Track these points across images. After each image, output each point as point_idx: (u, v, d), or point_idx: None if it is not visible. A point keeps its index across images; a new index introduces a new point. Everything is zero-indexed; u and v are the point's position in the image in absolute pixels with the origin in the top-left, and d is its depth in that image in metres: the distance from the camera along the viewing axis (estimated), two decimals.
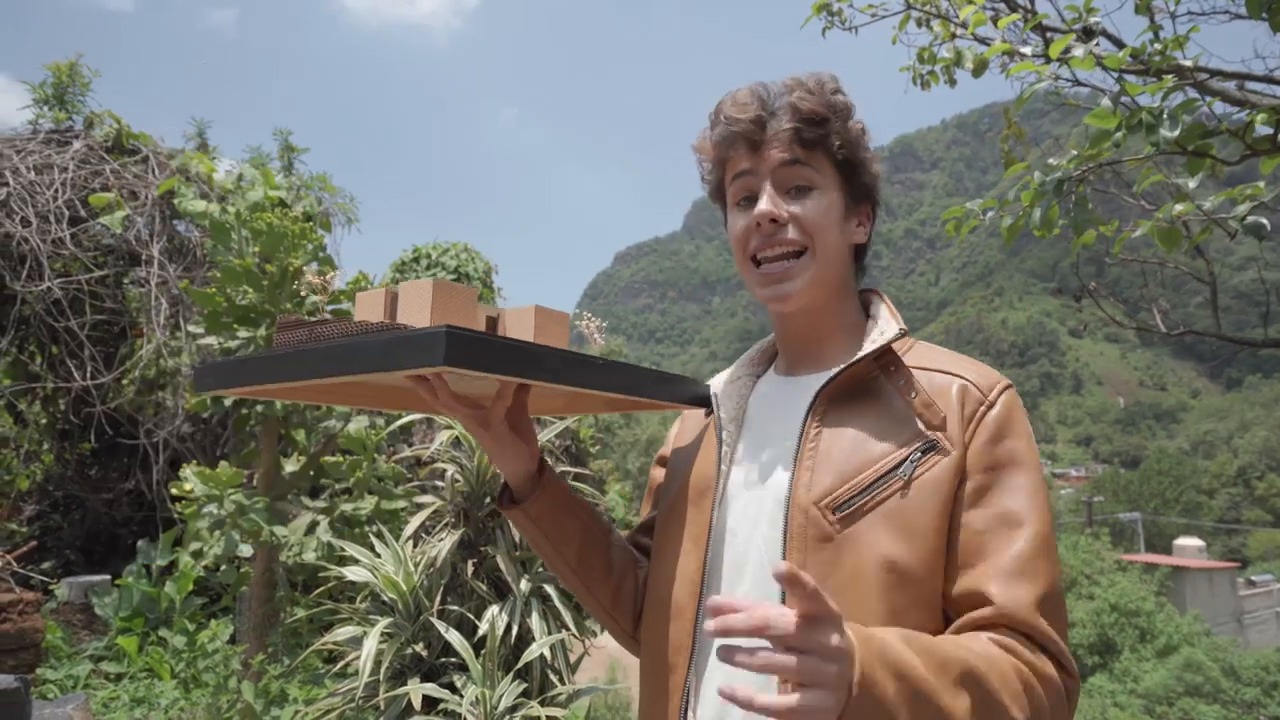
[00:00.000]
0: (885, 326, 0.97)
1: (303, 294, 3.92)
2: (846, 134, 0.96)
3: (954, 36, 3.40)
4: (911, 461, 0.86)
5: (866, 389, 0.93)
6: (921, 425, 0.88)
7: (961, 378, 0.91)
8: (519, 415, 1.00)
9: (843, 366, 0.92)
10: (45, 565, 5.30)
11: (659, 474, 1.17)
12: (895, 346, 0.95)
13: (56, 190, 5.02)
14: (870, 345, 0.94)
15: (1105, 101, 2.19)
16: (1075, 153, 2.45)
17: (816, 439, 0.91)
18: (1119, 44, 2.74)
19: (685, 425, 1.17)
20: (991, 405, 0.89)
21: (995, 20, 2.98)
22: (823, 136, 0.94)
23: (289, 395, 1.00)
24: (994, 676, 0.74)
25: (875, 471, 0.86)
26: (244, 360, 0.88)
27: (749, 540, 0.93)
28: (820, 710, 0.64)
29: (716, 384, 1.08)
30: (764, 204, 0.93)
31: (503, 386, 0.93)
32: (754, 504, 0.94)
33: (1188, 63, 2.28)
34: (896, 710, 0.67)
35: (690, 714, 0.91)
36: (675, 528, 1.01)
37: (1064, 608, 0.84)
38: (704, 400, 1.05)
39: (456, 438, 3.34)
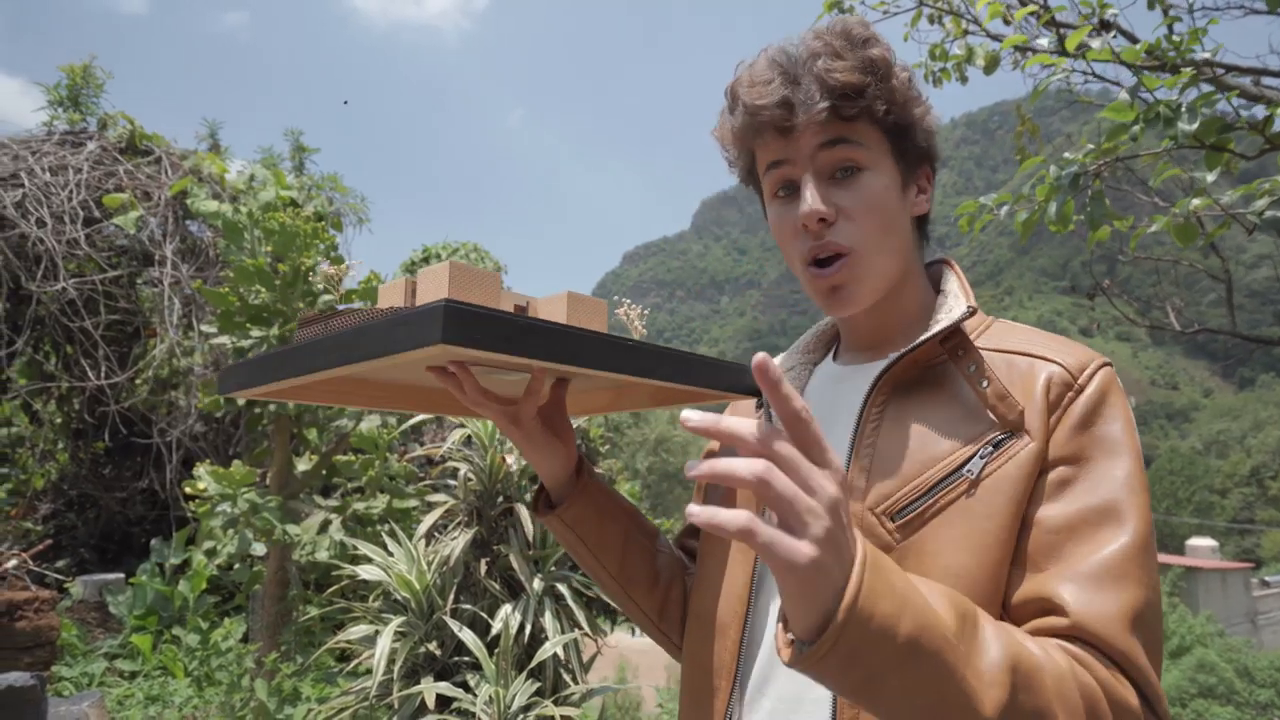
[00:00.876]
0: (954, 304, 0.83)
1: (316, 290, 3.93)
2: (890, 94, 0.80)
3: (966, 33, 3.38)
4: (981, 457, 0.72)
5: (933, 377, 0.80)
6: (994, 418, 0.74)
7: (1048, 360, 0.76)
8: (554, 413, 0.91)
9: (903, 351, 0.79)
10: (60, 563, 5.34)
11: None
12: (967, 326, 0.82)
13: (71, 191, 5.05)
14: (936, 326, 0.80)
15: (1123, 95, 2.17)
16: (1091, 147, 2.43)
17: (874, 435, 0.79)
18: (1133, 40, 2.72)
19: (737, 413, 1.04)
20: (1082, 389, 0.74)
21: (1006, 19, 2.96)
22: (865, 106, 0.79)
23: (316, 397, 0.92)
24: (1048, 678, 0.59)
25: (940, 471, 0.74)
26: (263, 358, 0.81)
27: None
28: (793, 562, 0.50)
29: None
30: (808, 202, 0.79)
31: (533, 380, 0.83)
32: None
33: (1207, 54, 2.26)
34: (898, 657, 0.53)
35: None
36: (720, 539, 0.90)
37: (1159, 633, 0.67)
38: (753, 390, 0.91)
39: (469, 436, 3.34)
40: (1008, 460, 0.72)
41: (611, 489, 1.00)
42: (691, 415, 0.53)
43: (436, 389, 0.95)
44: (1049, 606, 0.66)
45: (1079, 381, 0.75)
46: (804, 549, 0.50)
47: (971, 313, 0.80)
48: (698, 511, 0.50)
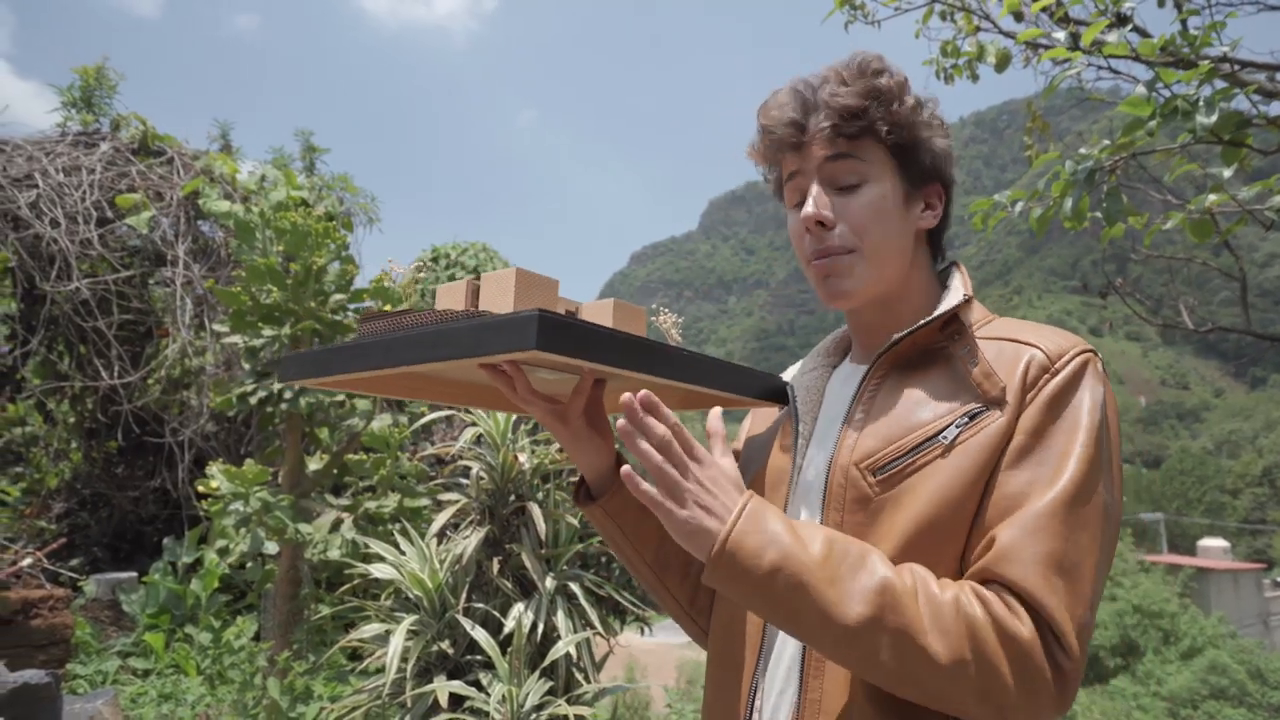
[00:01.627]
0: (953, 296, 0.93)
1: (328, 289, 3.94)
2: (894, 117, 0.90)
3: (977, 30, 3.37)
4: (956, 426, 0.82)
5: (932, 357, 0.90)
6: (979, 394, 0.84)
7: (1032, 345, 0.85)
8: (595, 411, 0.99)
9: (905, 332, 0.88)
10: (73, 562, 5.37)
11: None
12: (971, 320, 0.91)
13: (84, 192, 5.08)
14: (936, 313, 0.90)
15: (1139, 89, 2.16)
16: (1106, 142, 2.42)
17: (870, 402, 0.89)
18: (1147, 35, 2.71)
19: (756, 418, 1.16)
20: (1057, 372, 0.83)
21: (1019, 15, 2.95)
22: (867, 125, 0.90)
23: (369, 388, 0.98)
24: (923, 603, 0.72)
25: (920, 435, 0.83)
26: (332, 350, 0.87)
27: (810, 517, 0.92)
28: (671, 519, 0.75)
29: (791, 375, 1.07)
30: (809, 206, 0.91)
31: (581, 381, 0.92)
32: (816, 486, 0.92)
33: (1225, 48, 2.24)
34: (761, 583, 0.72)
35: (759, 697, 0.90)
36: None
37: (1084, 580, 0.74)
38: (780, 396, 1.02)
39: (480, 435, 3.34)
40: (980, 431, 0.81)
41: None
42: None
43: (485, 385, 1.01)
44: (986, 547, 0.77)
45: (1055, 365, 0.83)
46: (678, 512, 0.76)
47: (967, 300, 0.91)
48: (625, 470, 0.75)
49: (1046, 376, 0.82)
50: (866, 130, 0.90)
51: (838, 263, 0.91)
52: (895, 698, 0.77)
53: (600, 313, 0.90)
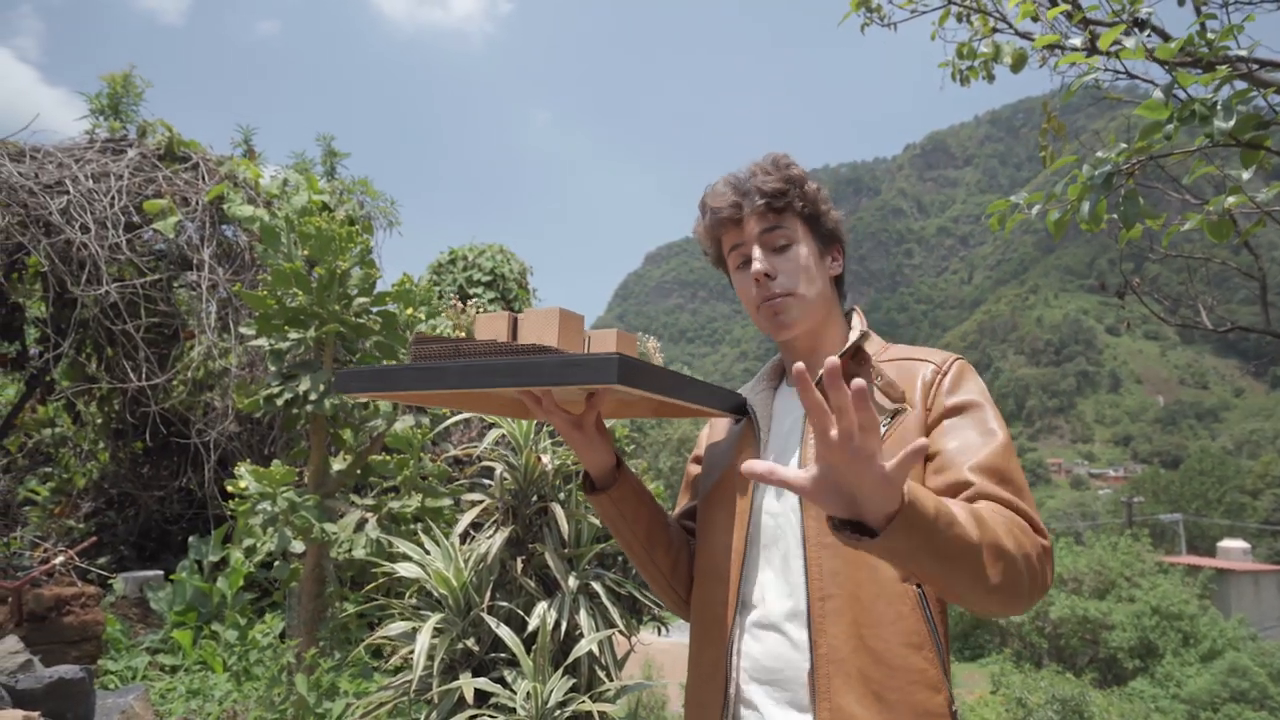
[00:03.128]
0: (855, 334, 1.24)
1: (351, 293, 4.01)
2: (805, 196, 1.23)
3: (994, 31, 3.38)
4: (884, 427, 1.10)
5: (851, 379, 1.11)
6: (885, 400, 1.15)
7: (925, 360, 1.19)
8: (598, 419, 1.23)
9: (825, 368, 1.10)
10: (101, 561, 5.47)
11: (694, 469, 1.43)
12: (871, 347, 1.23)
13: (113, 197, 5.18)
14: (842, 350, 1.21)
15: (1157, 93, 2.17)
16: (1124, 145, 2.43)
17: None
18: (1166, 38, 2.71)
19: (714, 427, 1.42)
20: (946, 373, 1.16)
21: (1036, 17, 2.96)
22: (788, 203, 1.21)
23: (418, 400, 1.18)
24: (998, 523, 0.94)
25: None
26: (400, 369, 1.05)
27: (782, 518, 1.17)
28: (876, 474, 0.80)
29: (745, 392, 1.33)
30: (757, 265, 1.21)
31: (595, 395, 1.16)
32: (782, 489, 1.16)
33: (1243, 51, 2.25)
34: (937, 522, 0.85)
35: (734, 658, 1.17)
36: (719, 510, 1.26)
37: (1028, 491, 1.06)
38: (742, 409, 1.29)
39: (503, 436, 3.39)
40: (898, 427, 1.13)
41: (638, 478, 1.33)
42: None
43: (512, 400, 1.22)
44: (963, 489, 1.04)
45: (943, 368, 1.18)
46: (878, 463, 0.82)
47: (864, 336, 1.24)
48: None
49: (939, 376, 1.16)
50: (787, 207, 1.22)
51: (783, 304, 1.22)
52: (887, 644, 1.04)
53: (606, 339, 1.12)
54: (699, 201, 1.30)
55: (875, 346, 1.25)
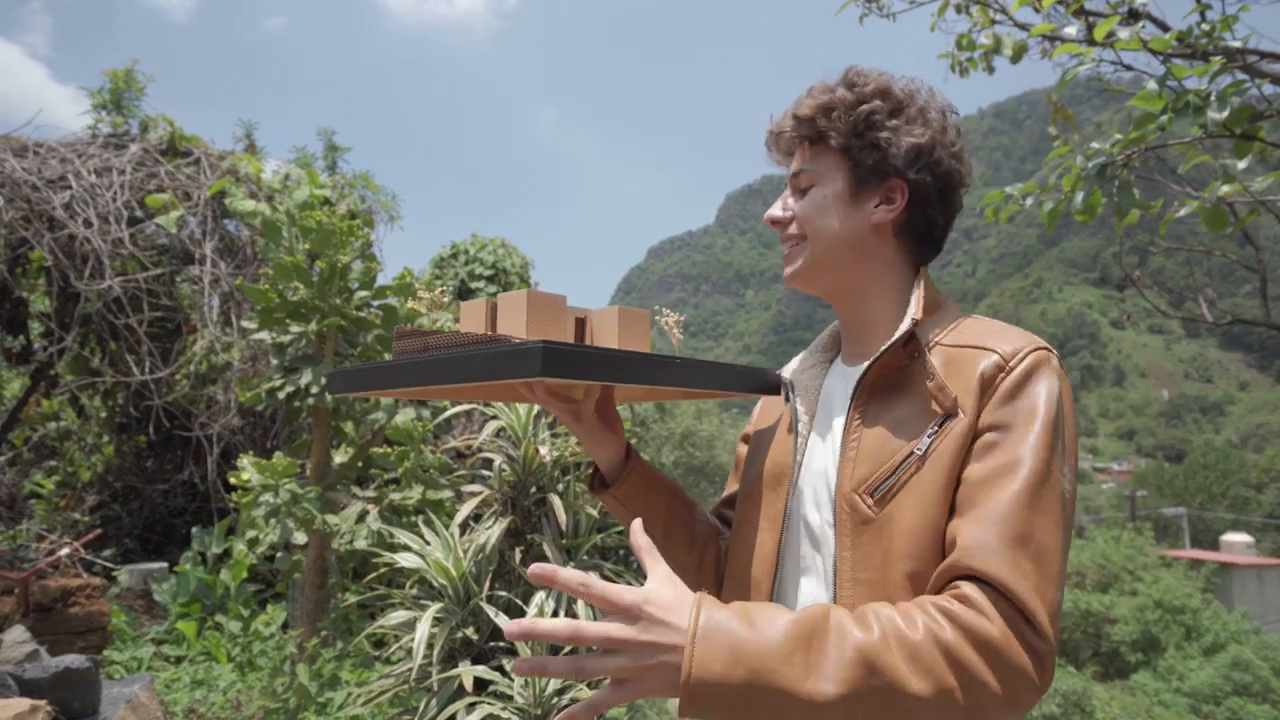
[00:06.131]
0: (907, 318, 0.97)
1: (352, 286, 4.03)
2: (845, 122, 1.00)
3: (993, 23, 3.38)
4: (928, 437, 0.89)
5: (900, 377, 0.96)
6: (936, 407, 0.90)
7: (989, 350, 0.91)
8: (606, 407, 1.11)
9: (870, 362, 0.96)
10: (106, 553, 5.51)
11: (743, 450, 1.23)
12: (938, 328, 0.98)
13: (115, 192, 5.20)
14: (891, 339, 0.95)
15: (1151, 84, 2.18)
16: (1119, 136, 2.44)
17: (858, 430, 0.95)
18: (1163, 28, 2.72)
19: (766, 407, 1.23)
20: (1011, 370, 0.89)
21: (1035, 7, 2.96)
22: (819, 132, 1.02)
23: (409, 393, 1.11)
24: (897, 651, 0.73)
25: (901, 454, 0.90)
26: (372, 368, 1.01)
27: (819, 524, 0.98)
28: (644, 693, 0.73)
29: (790, 370, 1.13)
30: (772, 209, 1.07)
31: (591, 385, 1.03)
32: (822, 491, 0.99)
33: (1237, 43, 2.26)
34: (742, 697, 0.71)
35: None
36: (753, 510, 1.07)
37: (1052, 562, 0.79)
38: (771, 389, 1.10)
39: (502, 428, 3.42)
40: (946, 436, 0.88)
41: (654, 468, 1.18)
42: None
43: (507, 385, 1.12)
44: (951, 546, 0.82)
45: (1010, 364, 0.89)
46: (629, 682, 0.73)
47: (914, 324, 0.95)
48: (510, 627, 0.72)
49: (1002, 375, 0.89)
50: (819, 137, 1.02)
51: (792, 249, 1.05)
52: None
53: (607, 319, 1.02)
54: None
55: (942, 324, 0.99)
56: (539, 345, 0.77)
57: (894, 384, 0.96)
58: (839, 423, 0.99)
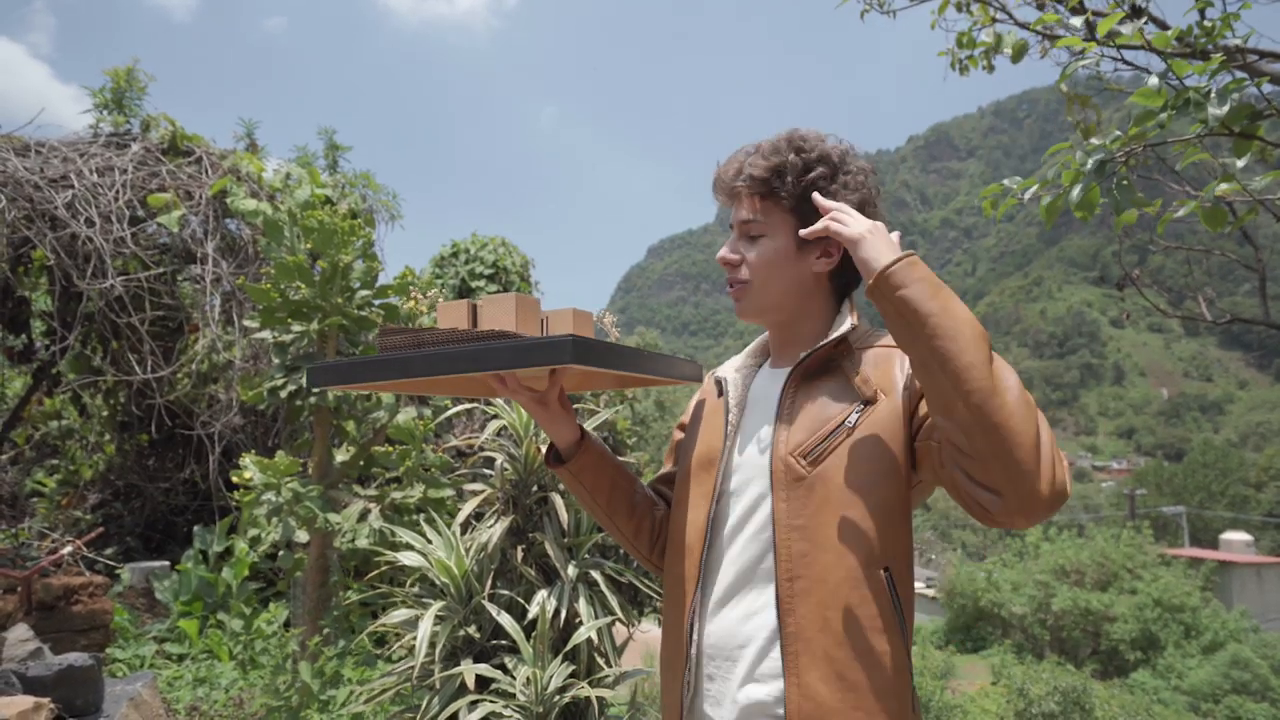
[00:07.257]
0: (842, 323, 1.22)
1: (353, 285, 4.04)
2: (796, 187, 1.19)
3: (994, 21, 3.38)
4: (855, 413, 1.14)
5: (830, 367, 1.20)
6: (859, 394, 1.15)
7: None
8: (562, 395, 1.30)
9: (809, 351, 1.19)
10: (108, 551, 5.52)
11: (679, 435, 1.45)
12: (859, 337, 1.22)
13: (117, 191, 5.21)
14: (831, 336, 1.19)
15: (1152, 80, 2.18)
16: (1118, 133, 2.44)
17: (790, 406, 1.19)
18: (1163, 26, 2.72)
19: (699, 399, 1.43)
20: None
21: (1038, 4, 2.97)
22: (771, 190, 1.20)
23: (386, 388, 1.22)
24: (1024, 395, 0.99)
25: (831, 425, 1.14)
26: (368, 361, 1.10)
27: (747, 499, 1.19)
28: (879, 240, 1.06)
29: (728, 369, 1.35)
30: (723, 250, 1.25)
31: (556, 373, 1.21)
32: (752, 468, 1.20)
33: (1237, 41, 2.26)
34: (935, 291, 0.99)
35: (696, 622, 1.21)
36: (689, 487, 1.29)
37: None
38: (692, 378, 1.37)
39: (503, 427, 3.42)
40: (873, 413, 1.13)
41: (605, 447, 1.40)
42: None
43: (479, 380, 1.26)
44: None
45: None
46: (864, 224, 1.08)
47: (853, 328, 1.21)
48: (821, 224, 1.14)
49: None
50: (770, 194, 1.20)
51: (739, 291, 1.25)
52: (851, 626, 1.07)
53: (563, 317, 1.19)
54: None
55: (861, 334, 1.24)
56: (569, 337, 0.93)
57: (821, 372, 1.20)
58: (771, 406, 1.21)
